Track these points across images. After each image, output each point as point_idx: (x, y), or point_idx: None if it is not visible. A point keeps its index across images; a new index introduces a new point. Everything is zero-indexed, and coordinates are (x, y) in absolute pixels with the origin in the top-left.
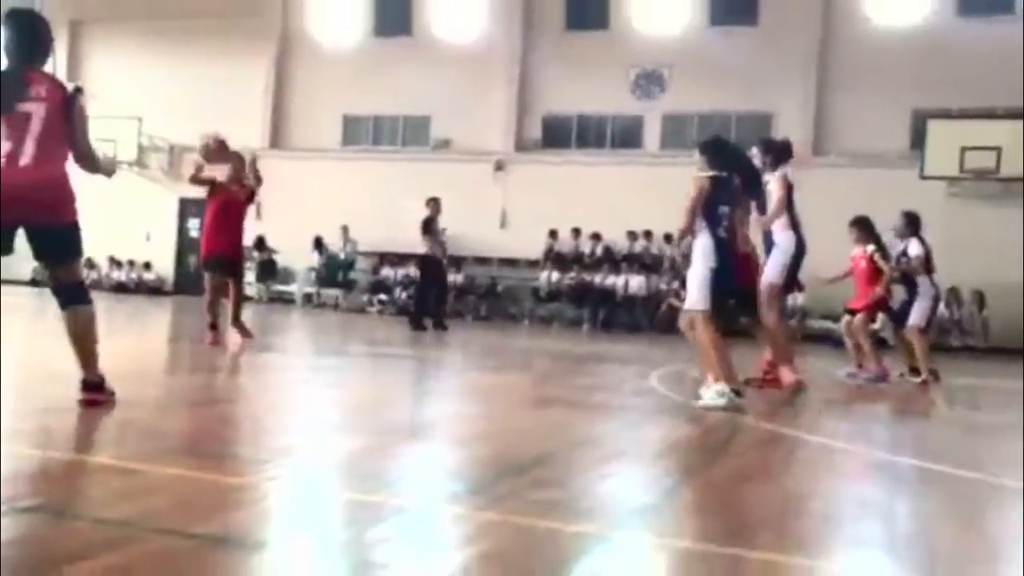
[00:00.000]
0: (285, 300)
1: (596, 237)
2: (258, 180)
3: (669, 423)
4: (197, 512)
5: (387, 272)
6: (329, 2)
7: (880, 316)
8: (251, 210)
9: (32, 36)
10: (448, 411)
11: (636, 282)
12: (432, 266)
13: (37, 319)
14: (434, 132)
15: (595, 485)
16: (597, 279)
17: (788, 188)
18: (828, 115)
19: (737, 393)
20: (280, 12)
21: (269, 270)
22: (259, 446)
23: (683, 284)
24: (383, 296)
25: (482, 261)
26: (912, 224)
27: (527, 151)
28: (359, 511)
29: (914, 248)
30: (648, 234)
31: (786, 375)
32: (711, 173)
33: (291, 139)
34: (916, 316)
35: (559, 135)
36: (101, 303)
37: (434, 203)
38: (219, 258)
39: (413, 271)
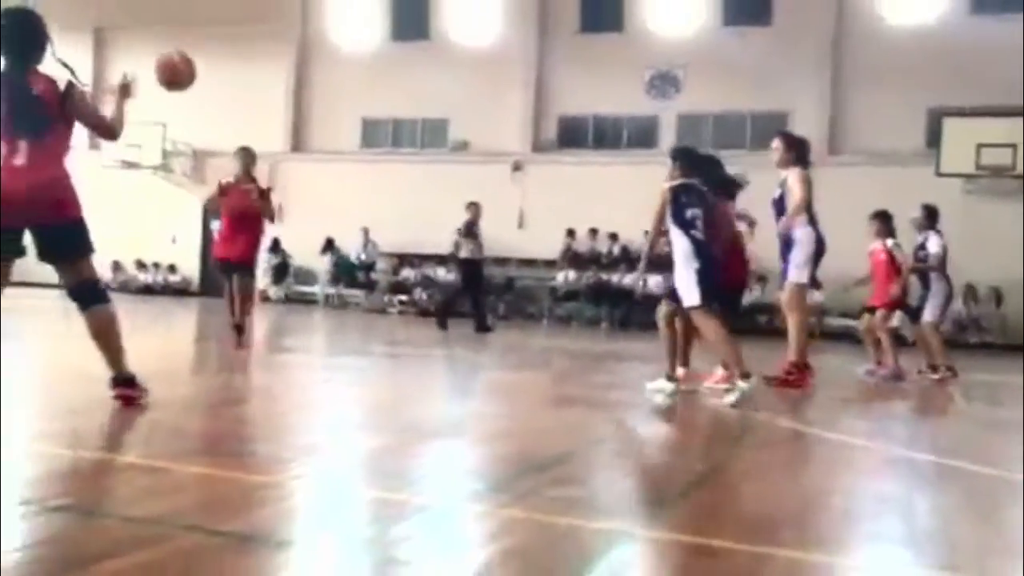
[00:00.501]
0: (308, 301)
1: (613, 237)
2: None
3: (688, 421)
4: (224, 510)
5: (407, 273)
6: (348, 7)
7: (898, 313)
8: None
9: (25, 35)
10: (469, 409)
11: (654, 281)
12: (473, 269)
13: (63, 321)
14: (452, 134)
15: (615, 482)
16: (615, 278)
17: (808, 186)
18: (843, 114)
19: (745, 376)
20: (300, 18)
21: (283, 272)
22: (283, 445)
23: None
24: (403, 296)
25: (501, 261)
26: (931, 218)
27: (544, 152)
28: (382, 509)
29: (933, 244)
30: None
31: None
32: (679, 181)
33: (311, 142)
34: (929, 312)
35: (575, 136)
36: (128, 305)
37: (474, 207)
38: (228, 262)
39: (432, 271)
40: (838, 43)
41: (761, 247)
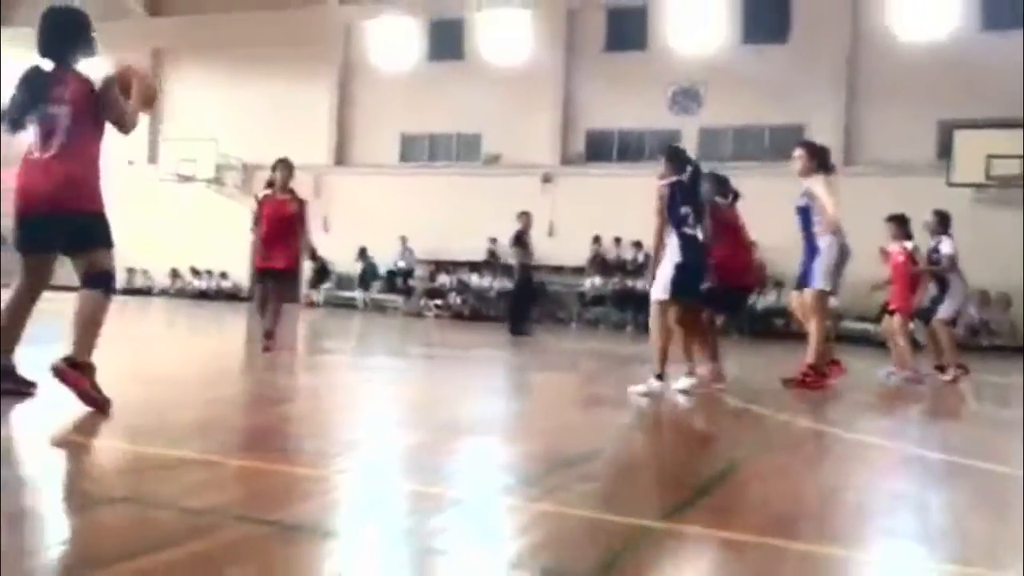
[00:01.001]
0: (349, 306)
1: (638, 245)
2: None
3: (710, 419)
4: (272, 502)
5: (442, 279)
6: (387, 30)
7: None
8: (318, 223)
9: (62, 35)
10: (501, 408)
11: None
12: (526, 276)
13: (113, 323)
14: (485, 148)
15: (640, 478)
16: (639, 284)
17: (834, 191)
18: (857, 127)
19: (659, 377)
20: (342, 40)
21: (322, 276)
22: (327, 441)
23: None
24: (439, 301)
25: (532, 268)
26: (943, 222)
27: (572, 164)
28: (420, 501)
29: (946, 247)
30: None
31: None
32: (672, 179)
33: (353, 156)
34: (945, 310)
35: (601, 149)
36: (187, 309)
37: (525, 216)
38: (272, 270)
39: (466, 277)
40: (853, 59)
41: (777, 253)
